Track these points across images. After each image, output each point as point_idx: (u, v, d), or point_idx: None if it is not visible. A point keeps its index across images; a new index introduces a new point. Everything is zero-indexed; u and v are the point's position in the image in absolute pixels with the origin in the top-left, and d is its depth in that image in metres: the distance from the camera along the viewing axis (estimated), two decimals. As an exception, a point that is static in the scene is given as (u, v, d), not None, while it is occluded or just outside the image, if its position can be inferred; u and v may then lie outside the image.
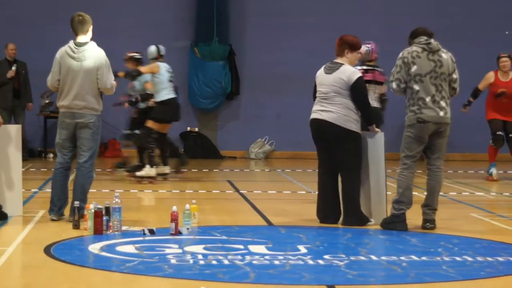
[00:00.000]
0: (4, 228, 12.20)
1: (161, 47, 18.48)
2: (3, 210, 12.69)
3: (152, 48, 18.45)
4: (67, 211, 12.81)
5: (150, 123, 18.05)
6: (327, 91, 12.61)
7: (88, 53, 12.68)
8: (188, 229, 11.82)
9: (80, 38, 12.74)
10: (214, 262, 9.95)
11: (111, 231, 11.76)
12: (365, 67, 14.56)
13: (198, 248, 10.75)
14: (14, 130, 13.20)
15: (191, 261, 10.00)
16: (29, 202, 14.53)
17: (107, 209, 11.83)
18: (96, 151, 12.90)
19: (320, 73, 12.81)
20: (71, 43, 12.73)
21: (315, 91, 12.84)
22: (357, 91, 12.53)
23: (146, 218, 12.87)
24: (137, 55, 19.02)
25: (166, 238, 11.47)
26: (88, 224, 11.79)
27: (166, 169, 18.70)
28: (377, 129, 12.78)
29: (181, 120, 24.14)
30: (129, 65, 18.70)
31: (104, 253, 10.52)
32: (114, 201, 12.02)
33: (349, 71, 12.60)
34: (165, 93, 18.23)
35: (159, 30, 24.16)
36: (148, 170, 17.74)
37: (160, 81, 18.27)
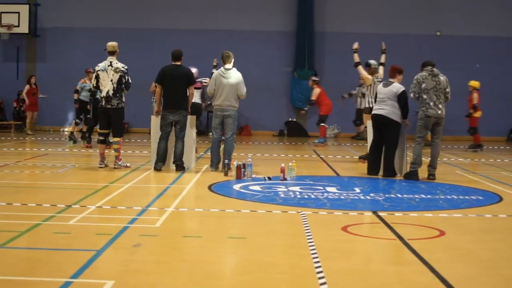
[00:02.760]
0: (185, 175, 12.33)
1: None
2: (184, 165, 12.86)
3: None
4: (220, 166, 13.02)
5: None
6: (383, 97, 12.69)
7: (232, 74, 12.91)
8: (290, 177, 11.92)
9: (227, 66, 12.92)
10: (305, 196, 10.09)
11: (246, 177, 11.93)
12: (198, 81, 15.17)
13: (296, 188, 10.84)
14: (192, 119, 13.32)
15: (292, 196, 10.11)
16: (199, 160, 14.68)
17: (244, 165, 11.99)
18: (235, 131, 13.00)
19: (380, 86, 12.90)
20: (222, 68, 12.95)
21: (376, 97, 12.97)
22: (401, 98, 12.57)
23: (266, 170, 13.04)
24: None
25: (278, 182, 11.57)
26: (233, 173, 12.01)
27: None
28: (406, 121, 12.75)
29: (285, 113, 24.41)
30: None
31: (242, 190, 10.67)
32: (247, 160, 12.28)
33: (398, 87, 12.65)
34: None
35: (272, 61, 24.14)
36: None
37: None
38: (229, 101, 12.87)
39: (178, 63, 12.98)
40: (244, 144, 19.74)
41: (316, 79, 20.97)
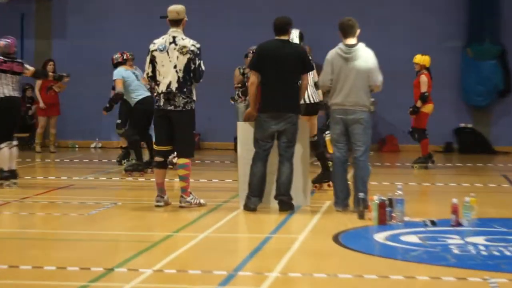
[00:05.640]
0: (294, 217, 12.39)
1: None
2: (292, 201, 12.84)
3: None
4: (351, 202, 12.89)
5: None
6: None
7: (359, 53, 12.80)
8: (468, 220, 11.78)
9: (350, 41, 12.81)
10: (496, 253, 9.93)
11: (394, 221, 11.83)
12: (4, 58, 15.69)
13: (479, 239, 10.68)
14: (305, 128, 13.37)
15: (474, 252, 9.97)
16: (315, 193, 14.71)
17: (390, 200, 11.93)
18: (369, 144, 12.93)
19: None
20: (341, 45, 12.85)
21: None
22: None
23: (426, 210, 12.92)
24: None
25: (447, 229, 11.45)
26: (372, 214, 11.91)
27: None
28: None
29: (454, 115, 24.22)
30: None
31: (389, 242, 10.63)
32: (396, 193, 12.19)
33: None
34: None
35: (428, 32, 23.97)
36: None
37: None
38: (356, 97, 12.78)
39: (285, 37, 13.07)
40: (387, 168, 19.61)
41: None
